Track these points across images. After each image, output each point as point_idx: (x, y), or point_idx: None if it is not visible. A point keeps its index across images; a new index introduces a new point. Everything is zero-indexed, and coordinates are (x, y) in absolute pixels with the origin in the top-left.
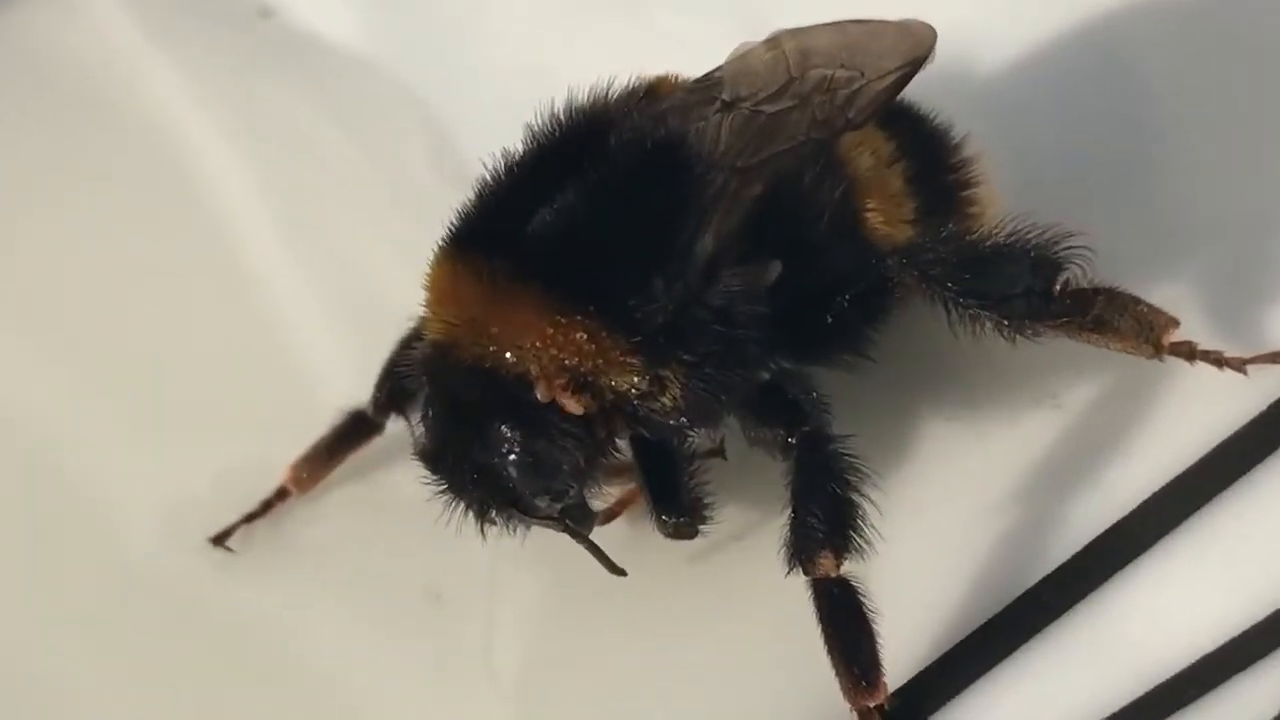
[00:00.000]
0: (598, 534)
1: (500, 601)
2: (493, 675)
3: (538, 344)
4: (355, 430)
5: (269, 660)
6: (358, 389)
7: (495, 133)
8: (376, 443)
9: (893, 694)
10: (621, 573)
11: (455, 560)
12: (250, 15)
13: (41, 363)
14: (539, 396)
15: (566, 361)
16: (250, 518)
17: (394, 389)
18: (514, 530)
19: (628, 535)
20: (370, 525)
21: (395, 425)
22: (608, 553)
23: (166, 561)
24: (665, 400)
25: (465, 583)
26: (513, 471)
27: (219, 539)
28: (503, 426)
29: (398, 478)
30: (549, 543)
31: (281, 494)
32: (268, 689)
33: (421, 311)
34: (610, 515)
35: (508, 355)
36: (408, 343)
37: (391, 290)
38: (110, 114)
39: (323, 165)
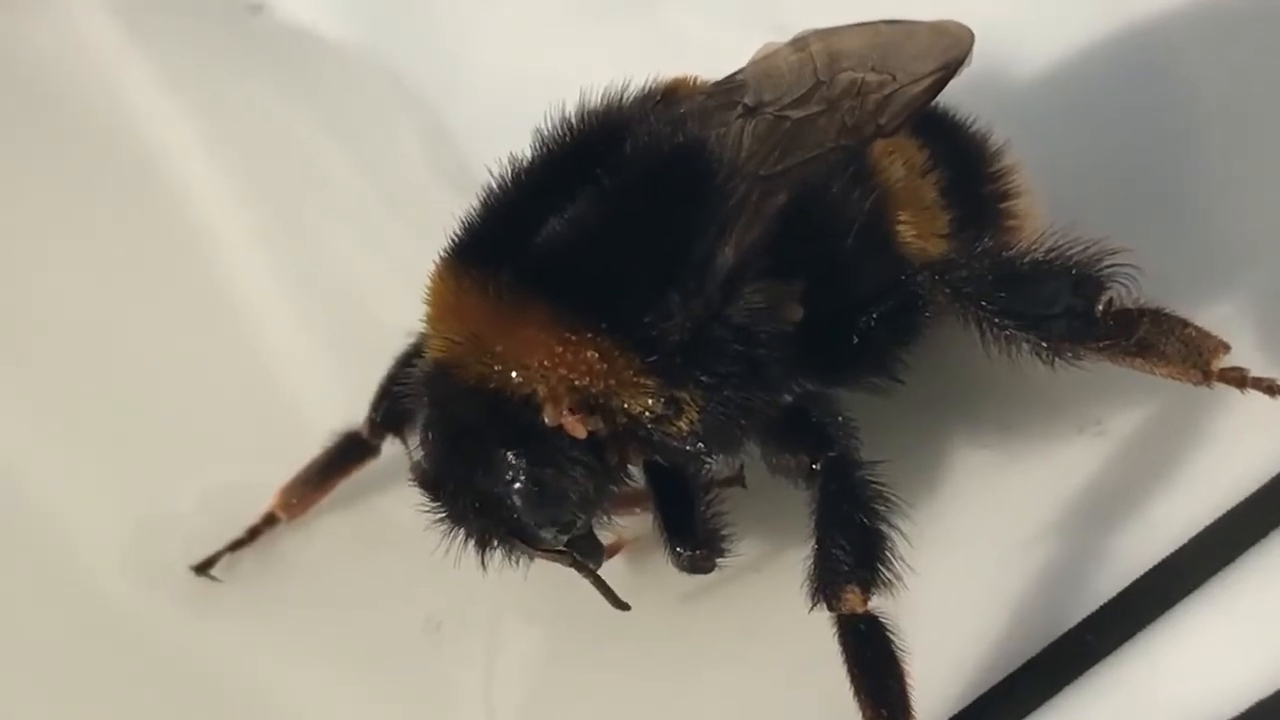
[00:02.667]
0: (603, 567)
1: (502, 634)
2: (492, 708)
3: (545, 363)
4: (349, 453)
5: (256, 697)
6: (350, 410)
7: (500, 138)
8: (372, 466)
9: None
10: (625, 607)
11: (456, 590)
12: (238, 10)
13: (10, 384)
14: (546, 420)
15: (576, 382)
16: (236, 545)
17: (391, 409)
18: (516, 562)
19: (638, 568)
20: (365, 553)
21: (392, 447)
22: (613, 586)
23: (143, 593)
24: (681, 424)
25: (466, 614)
26: (517, 501)
27: (203, 568)
28: (507, 452)
29: (394, 503)
30: (553, 574)
31: (270, 520)
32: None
33: (421, 327)
34: (611, 551)
35: (513, 375)
36: (406, 360)
37: (387, 306)
38: (85, 120)
39: (313, 172)
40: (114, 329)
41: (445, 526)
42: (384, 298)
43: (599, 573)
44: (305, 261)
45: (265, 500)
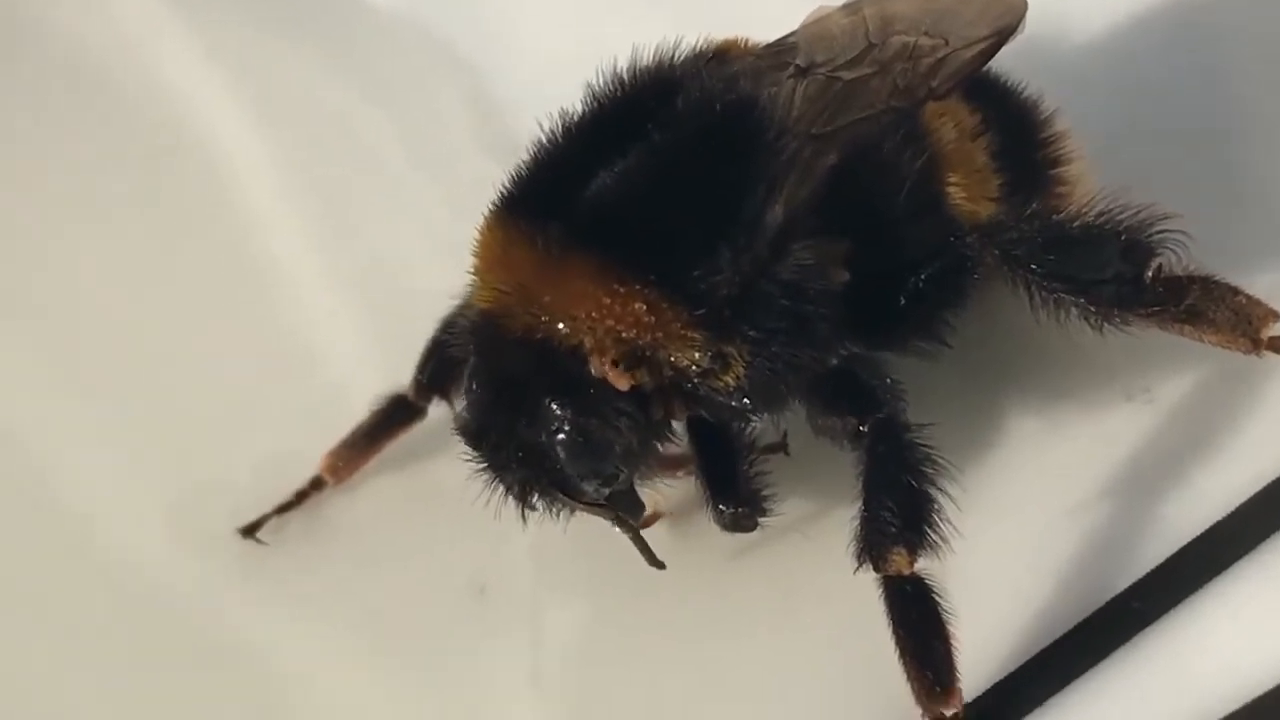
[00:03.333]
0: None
1: (545, 596)
2: (537, 671)
3: (593, 314)
4: (395, 416)
5: (301, 660)
6: (392, 379)
7: (546, 107)
8: (418, 429)
9: (968, 703)
10: (661, 566)
11: (500, 553)
12: None
13: (53, 357)
14: (592, 371)
15: (623, 334)
16: (283, 509)
17: (437, 370)
18: (557, 515)
19: (681, 533)
20: (411, 516)
21: (438, 410)
22: (655, 551)
23: (189, 558)
24: (728, 379)
25: (510, 576)
26: (561, 452)
27: (249, 530)
28: (552, 403)
29: (440, 466)
30: (596, 537)
31: (316, 484)
32: (304, 685)
33: (464, 291)
34: (649, 520)
35: (560, 326)
36: (451, 322)
37: (428, 274)
38: (120, 89)
39: (354, 140)
40: (155, 300)
41: (487, 478)
42: (425, 266)
43: (640, 532)
44: (346, 230)
45: (300, 469)
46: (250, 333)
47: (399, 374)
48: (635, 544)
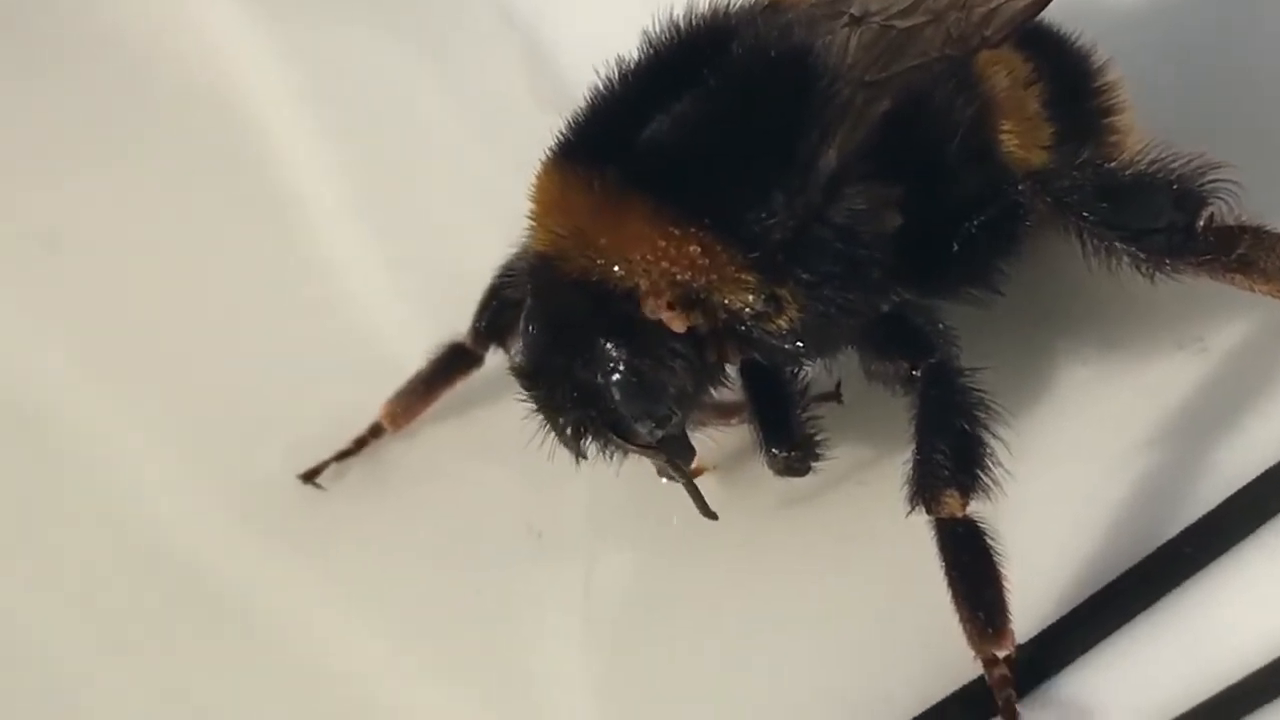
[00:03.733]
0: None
1: (601, 542)
2: (591, 615)
3: (648, 257)
4: (453, 363)
5: (360, 603)
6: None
7: (605, 58)
8: (476, 376)
9: (1021, 645)
10: (713, 516)
11: (556, 499)
12: None
13: (117, 323)
14: (647, 313)
15: (678, 276)
16: (343, 455)
17: (494, 317)
18: (610, 456)
19: (733, 482)
20: (469, 463)
21: (495, 357)
22: (706, 496)
23: (251, 503)
24: (781, 322)
25: (566, 523)
26: (615, 392)
27: (309, 476)
28: (608, 343)
29: (498, 414)
30: (649, 485)
31: (376, 431)
32: (362, 625)
33: (525, 227)
34: (698, 471)
35: (616, 268)
36: (510, 267)
37: (483, 235)
38: (157, 44)
39: (404, 98)
40: (216, 265)
41: (541, 419)
42: (477, 223)
43: (693, 480)
44: (402, 190)
45: (361, 418)
46: (309, 290)
47: (454, 324)
48: (689, 492)
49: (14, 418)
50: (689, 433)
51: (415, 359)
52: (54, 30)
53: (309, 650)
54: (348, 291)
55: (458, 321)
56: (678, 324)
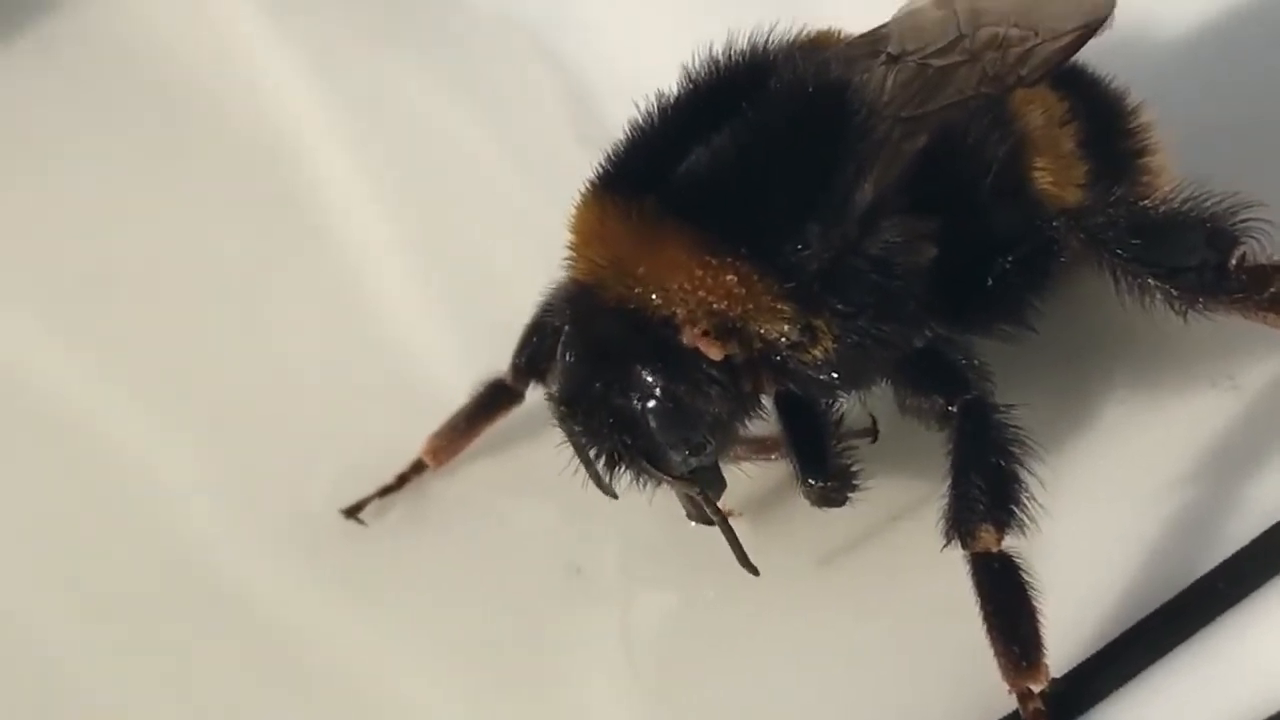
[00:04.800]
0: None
1: (641, 580)
2: (630, 652)
3: (686, 285)
4: (494, 400)
5: (401, 639)
6: (493, 370)
7: (644, 95)
8: (516, 413)
9: (1055, 679)
10: (754, 571)
11: (596, 536)
12: None
13: (160, 356)
14: (684, 341)
15: (715, 305)
16: (386, 491)
17: (534, 354)
18: (643, 486)
19: (769, 522)
20: (510, 499)
21: (535, 394)
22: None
23: (293, 539)
24: (816, 352)
25: (606, 559)
26: (651, 419)
27: (352, 511)
28: (645, 370)
29: (539, 450)
30: (688, 527)
31: (418, 467)
32: (403, 660)
33: (564, 257)
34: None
35: (654, 297)
36: (550, 302)
37: (523, 273)
38: (217, 98)
39: (446, 136)
40: (260, 300)
41: (574, 447)
42: (516, 258)
43: (733, 529)
44: (444, 228)
45: (407, 451)
46: (352, 326)
47: (495, 360)
48: (728, 540)
49: (64, 450)
50: (722, 467)
51: (458, 396)
52: (105, 72)
53: (349, 684)
54: (391, 328)
55: (499, 358)
56: (715, 351)
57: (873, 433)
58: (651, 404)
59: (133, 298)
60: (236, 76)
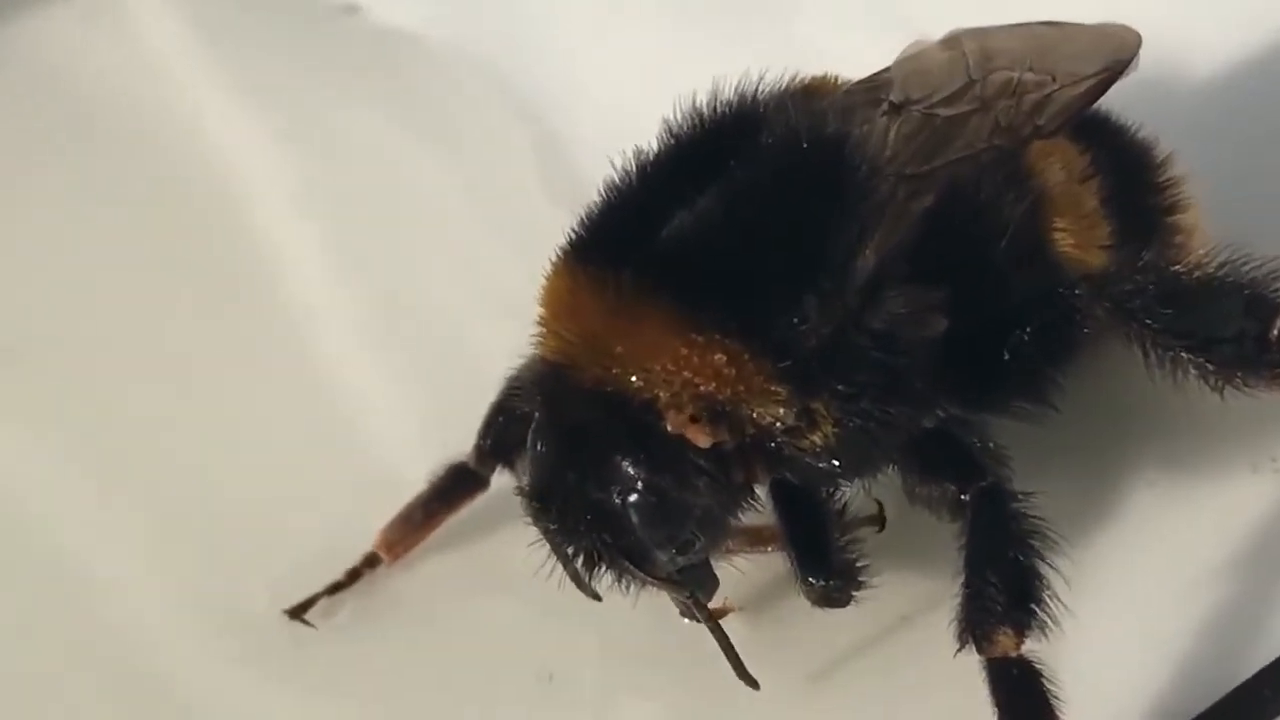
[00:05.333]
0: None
1: (617, 687)
2: None
3: (669, 366)
4: (455, 486)
5: None
6: (446, 448)
7: (619, 147)
8: (481, 501)
9: None
10: (755, 685)
11: (569, 639)
12: (331, 11)
13: (70, 423)
14: (668, 428)
15: (702, 387)
16: (335, 588)
17: (500, 434)
18: (626, 588)
19: (764, 620)
20: (474, 597)
21: (501, 479)
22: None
23: (232, 643)
24: (815, 438)
25: (580, 665)
26: (633, 514)
27: (297, 612)
28: (624, 460)
29: (506, 543)
30: (674, 629)
31: (370, 561)
32: None
33: (535, 332)
34: (720, 613)
35: (633, 378)
36: (518, 380)
37: (488, 334)
38: (152, 130)
39: (409, 189)
40: (191, 366)
41: (551, 545)
42: (484, 325)
43: (729, 639)
44: (403, 287)
45: (354, 547)
46: (297, 399)
47: (460, 442)
48: (725, 653)
49: None
50: (713, 563)
51: (415, 480)
52: (29, 103)
53: None
54: (344, 402)
55: (462, 439)
56: (702, 439)
57: (879, 520)
58: (633, 498)
59: (57, 365)
60: (184, 125)
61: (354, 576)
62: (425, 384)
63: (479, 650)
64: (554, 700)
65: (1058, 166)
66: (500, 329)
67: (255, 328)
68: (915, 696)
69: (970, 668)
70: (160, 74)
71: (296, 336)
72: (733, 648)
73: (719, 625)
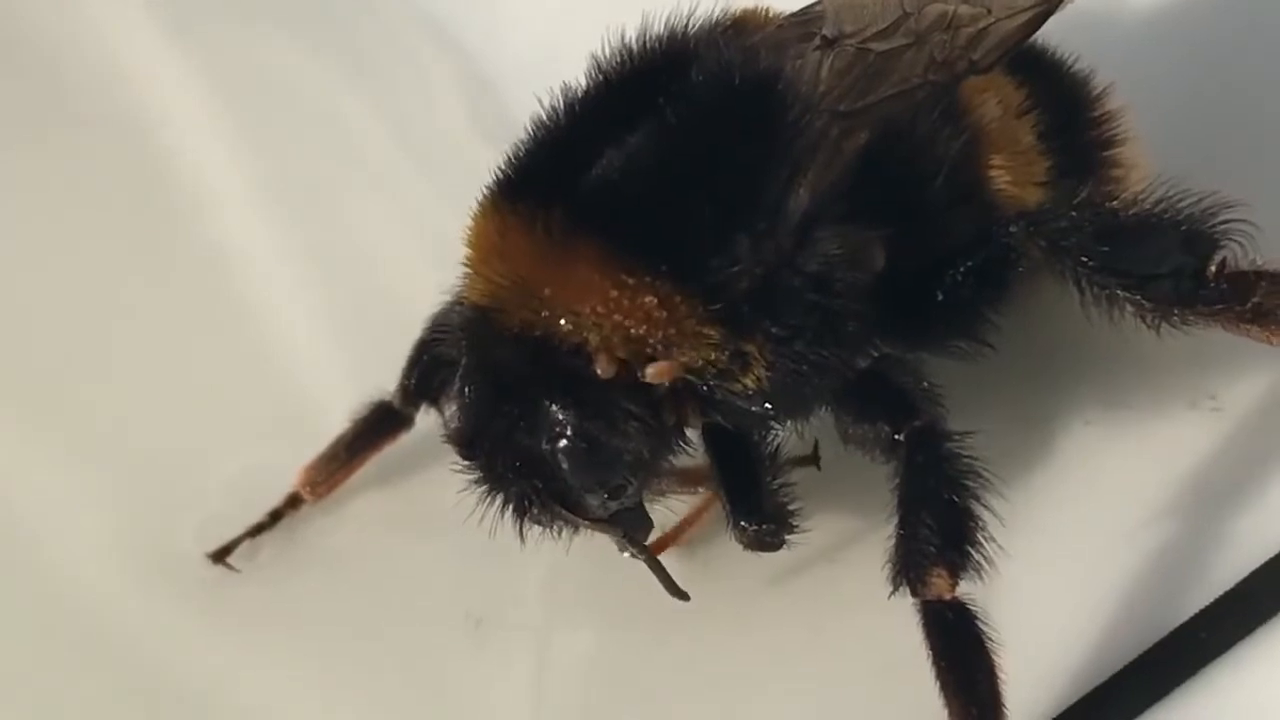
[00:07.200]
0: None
1: (548, 630)
2: (539, 710)
3: (599, 309)
4: (379, 425)
5: (277, 700)
6: (374, 388)
7: (548, 83)
8: (405, 441)
9: None
10: (685, 597)
11: (498, 582)
12: None
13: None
14: (598, 372)
15: (632, 330)
16: (257, 530)
17: (425, 374)
18: (558, 534)
19: (696, 559)
20: (399, 540)
21: (426, 419)
22: (670, 572)
23: (155, 586)
24: (747, 381)
25: (509, 608)
26: (563, 460)
27: (220, 555)
28: (554, 405)
29: (430, 484)
30: (605, 562)
31: (293, 501)
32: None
33: (458, 283)
34: (662, 544)
35: (563, 322)
36: (443, 319)
37: (415, 274)
38: (68, 68)
39: (333, 126)
40: (105, 299)
41: (481, 491)
42: (412, 265)
43: (657, 558)
44: (327, 225)
45: (275, 486)
46: (219, 340)
47: (385, 383)
48: (654, 571)
49: None
50: (646, 504)
51: (340, 421)
52: None
53: None
54: (268, 343)
55: (387, 380)
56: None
57: (814, 460)
58: (563, 445)
59: None
60: (105, 61)
61: (276, 517)
62: (350, 324)
63: (404, 594)
64: (483, 646)
65: (994, 101)
66: (425, 265)
67: (177, 269)
68: (846, 637)
69: (903, 609)
70: (79, 10)
71: (219, 276)
72: (662, 567)
73: (656, 560)
